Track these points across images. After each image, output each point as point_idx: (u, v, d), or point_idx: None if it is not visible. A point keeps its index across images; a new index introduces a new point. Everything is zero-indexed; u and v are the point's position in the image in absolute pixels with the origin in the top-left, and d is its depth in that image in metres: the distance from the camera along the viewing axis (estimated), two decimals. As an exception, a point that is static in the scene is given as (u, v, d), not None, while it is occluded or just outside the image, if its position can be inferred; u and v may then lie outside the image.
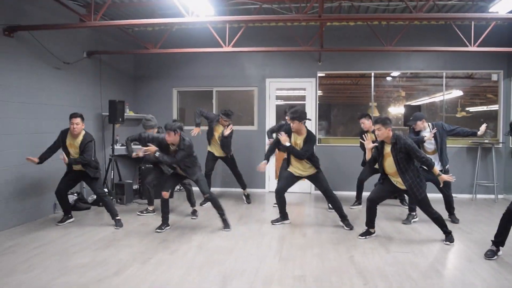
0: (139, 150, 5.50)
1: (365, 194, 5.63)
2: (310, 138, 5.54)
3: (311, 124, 8.40)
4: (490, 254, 4.30)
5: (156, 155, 5.16)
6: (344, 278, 3.77)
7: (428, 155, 5.64)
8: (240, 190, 7.90)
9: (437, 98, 8.55)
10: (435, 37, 7.96)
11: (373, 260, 4.27)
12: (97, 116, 7.52)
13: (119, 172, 7.48)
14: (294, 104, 5.72)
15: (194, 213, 6.28)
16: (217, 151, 7.12)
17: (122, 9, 7.32)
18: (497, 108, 8.20)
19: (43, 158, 5.49)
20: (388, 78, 8.85)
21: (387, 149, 4.78)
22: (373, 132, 5.01)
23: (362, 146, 5.73)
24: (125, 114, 7.52)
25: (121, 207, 6.93)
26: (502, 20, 7.31)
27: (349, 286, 3.60)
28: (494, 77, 8.27)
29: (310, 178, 5.76)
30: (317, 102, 8.48)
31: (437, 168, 4.88)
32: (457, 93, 8.63)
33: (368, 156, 5.02)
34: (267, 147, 6.13)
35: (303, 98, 8.59)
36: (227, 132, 6.87)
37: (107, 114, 7.33)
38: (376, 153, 4.92)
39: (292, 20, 6.62)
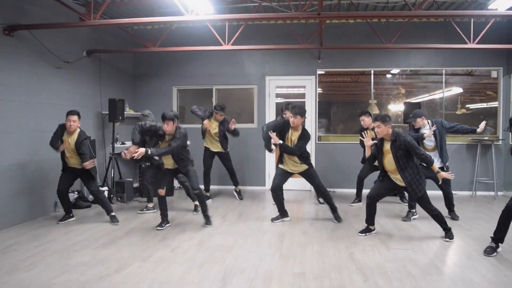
0: (126, 152, 5.20)
1: (365, 192, 5.64)
2: (304, 136, 5.60)
3: (311, 122, 8.42)
4: (490, 251, 4.31)
5: (149, 153, 5.01)
6: (344, 275, 3.78)
7: (428, 152, 5.66)
8: (239, 187, 7.91)
9: (437, 95, 8.55)
10: (435, 34, 7.95)
11: (373, 257, 4.28)
12: (97, 114, 7.53)
13: (119, 170, 7.50)
14: (292, 102, 5.76)
15: (196, 208, 6.31)
16: (214, 147, 7.15)
17: (121, 7, 7.34)
18: (497, 105, 8.21)
19: (56, 146, 5.51)
20: (388, 76, 8.85)
21: (387, 146, 4.79)
22: (373, 129, 5.02)
23: (362, 143, 5.74)
24: (125, 112, 7.53)
25: (122, 205, 6.96)
26: (501, 17, 7.30)
27: (349, 283, 3.61)
28: (494, 74, 8.27)
29: (302, 174, 5.83)
30: (317, 99, 8.49)
31: (436, 165, 4.89)
32: (456, 90, 8.63)
33: (368, 153, 5.04)
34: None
35: (302, 95, 8.60)
36: (233, 126, 6.99)
37: (107, 112, 7.34)
38: (376, 150, 4.94)
39: (291, 18, 6.63)
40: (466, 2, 7.01)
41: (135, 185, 7.81)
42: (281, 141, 5.52)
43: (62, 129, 5.57)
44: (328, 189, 8.35)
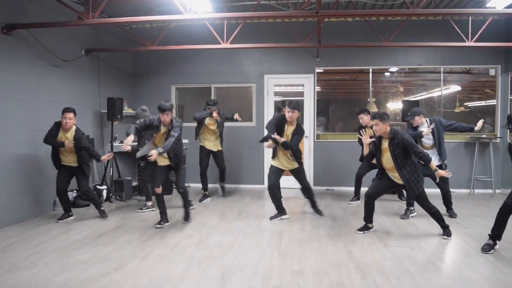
0: (124, 145, 5.14)
1: (364, 190, 5.66)
2: (299, 131, 5.71)
3: (310, 120, 8.43)
4: (487, 248, 4.34)
5: (160, 151, 5.07)
6: (343, 273, 3.80)
7: (426, 150, 5.67)
8: (239, 186, 7.96)
9: (435, 93, 8.57)
10: (433, 33, 7.96)
11: (371, 255, 4.31)
12: (96, 113, 7.53)
13: (118, 169, 7.51)
14: (288, 99, 5.83)
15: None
16: (210, 145, 7.15)
17: (120, 6, 7.34)
18: (495, 103, 8.23)
19: (57, 143, 5.53)
20: (386, 74, 8.88)
21: (385, 144, 4.81)
22: (372, 127, 5.04)
23: (360, 141, 5.76)
24: (123, 111, 7.52)
25: (120, 203, 6.97)
26: (499, 15, 7.31)
27: (347, 280, 3.63)
28: (492, 72, 8.29)
29: (293, 171, 5.92)
30: (316, 98, 8.50)
31: (434, 163, 4.91)
32: (455, 88, 8.65)
33: (366, 151, 5.06)
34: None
35: (301, 94, 8.61)
36: (239, 117, 7.21)
37: (106, 111, 7.33)
38: (374, 148, 4.96)
39: (290, 16, 6.63)
40: (464, 0, 7.02)
41: (134, 183, 7.82)
42: (283, 139, 5.57)
43: (57, 127, 5.59)
44: (326, 188, 8.43)
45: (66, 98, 6.59)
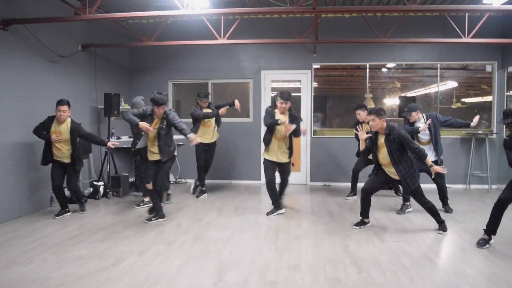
0: (144, 125, 5.26)
1: (360, 185, 5.68)
2: (295, 116, 5.79)
3: (307, 116, 8.44)
4: (482, 243, 4.38)
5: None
6: (339, 267, 3.83)
7: (422, 146, 5.71)
8: (236, 181, 7.97)
9: (432, 89, 8.59)
10: (430, 29, 7.98)
11: (367, 250, 4.33)
12: (93, 109, 7.52)
13: (115, 165, 7.50)
14: (282, 90, 5.84)
15: (168, 197, 6.61)
16: (207, 138, 7.09)
17: (116, 1, 7.31)
18: (491, 99, 8.25)
19: (43, 136, 5.58)
20: (383, 70, 8.88)
21: (381, 140, 4.83)
22: (369, 123, 5.06)
23: (357, 136, 5.78)
24: (120, 107, 7.52)
25: (117, 199, 6.97)
26: (495, 12, 7.33)
27: (343, 274, 3.66)
28: (488, 68, 8.31)
29: (281, 165, 5.94)
30: (312, 93, 8.51)
31: (430, 159, 4.94)
32: (452, 84, 8.67)
33: (362, 146, 5.08)
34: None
35: (298, 90, 8.61)
36: (239, 106, 7.18)
37: (103, 107, 7.33)
38: (370, 144, 4.98)
39: (287, 12, 6.63)
40: (461, -4, 7.05)
41: (131, 179, 7.82)
42: (294, 125, 5.65)
43: (50, 120, 5.60)
44: (323, 183, 8.46)
45: (62, 93, 6.54)
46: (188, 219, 5.67)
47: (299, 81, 8.61)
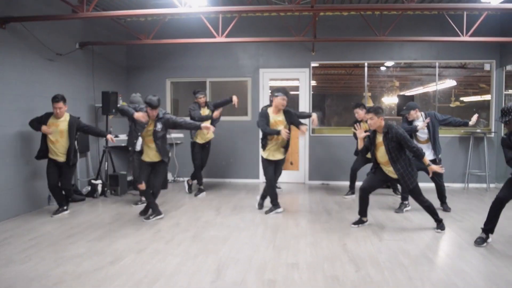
0: (140, 115, 5.34)
1: (358, 184, 5.69)
2: (290, 112, 5.81)
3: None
4: (480, 241, 4.38)
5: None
6: (337, 265, 3.83)
7: (421, 145, 5.73)
8: (234, 180, 7.95)
9: (431, 88, 8.60)
10: (428, 27, 7.99)
11: (365, 248, 4.34)
12: (90, 107, 7.50)
13: (113, 164, 7.49)
14: (277, 87, 5.81)
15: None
16: (204, 138, 7.06)
17: (114, -1, 7.29)
18: (490, 98, 8.26)
19: (34, 126, 5.58)
20: (382, 68, 8.88)
21: (379, 138, 4.83)
22: (367, 122, 5.06)
23: (355, 135, 5.79)
24: (118, 105, 7.48)
25: (116, 198, 6.96)
26: (494, 10, 7.32)
27: (341, 273, 3.66)
28: (487, 67, 8.32)
29: (277, 162, 5.92)
30: (311, 92, 8.51)
31: (428, 158, 4.94)
32: (450, 83, 8.68)
33: (360, 145, 5.09)
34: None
35: (296, 88, 8.61)
36: (236, 101, 7.04)
37: (100, 105, 7.31)
38: (369, 143, 4.98)
39: (285, 10, 6.61)
40: (459, -6, 7.04)
41: (129, 178, 7.80)
42: (306, 128, 5.80)
43: (47, 116, 5.60)
44: (322, 182, 8.47)
45: (60, 92, 6.46)
46: (186, 217, 5.67)
47: (298, 79, 8.60)
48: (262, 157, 5.87)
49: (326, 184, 8.40)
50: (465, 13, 6.78)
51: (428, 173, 4.96)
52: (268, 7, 6.76)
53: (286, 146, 5.85)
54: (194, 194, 7.13)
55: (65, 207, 5.82)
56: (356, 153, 6.82)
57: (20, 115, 5.76)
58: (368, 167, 6.20)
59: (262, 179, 8.61)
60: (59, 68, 6.61)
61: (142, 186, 5.43)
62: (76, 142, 5.88)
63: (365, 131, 5.07)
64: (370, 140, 4.95)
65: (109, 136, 5.86)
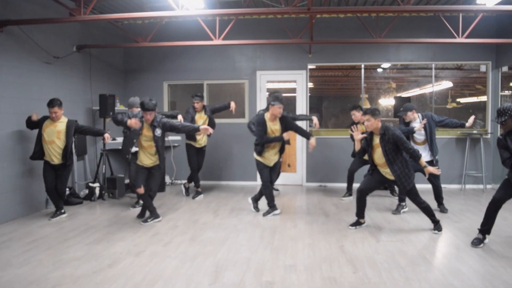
0: (133, 122, 5.35)
1: (356, 185, 5.71)
2: (287, 118, 5.79)
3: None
4: (477, 242, 4.41)
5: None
6: (334, 267, 3.84)
7: (418, 146, 5.75)
8: (232, 182, 7.94)
9: (427, 89, 8.63)
10: (424, 29, 8.02)
11: (362, 249, 4.35)
12: (88, 110, 7.50)
13: (111, 167, 7.49)
14: (275, 94, 5.80)
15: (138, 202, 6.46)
16: (199, 142, 7.04)
17: (111, 2, 7.30)
18: (486, 99, 8.30)
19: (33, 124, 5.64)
20: (379, 70, 8.91)
21: (376, 140, 4.85)
22: (364, 123, 5.08)
23: (352, 137, 5.81)
24: (115, 108, 7.51)
25: (113, 201, 6.96)
26: (489, 12, 7.39)
27: (339, 274, 3.67)
28: (483, 68, 8.35)
29: (273, 165, 5.94)
30: (308, 94, 8.53)
31: (424, 159, 4.97)
32: (447, 84, 8.72)
33: (357, 147, 5.11)
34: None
35: (293, 90, 8.62)
36: (233, 107, 7.11)
37: (98, 108, 7.31)
38: (366, 144, 5.00)
39: (282, 13, 6.64)
40: (455, -4, 7.09)
41: (127, 181, 7.80)
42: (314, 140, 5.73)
43: (44, 119, 5.63)
44: (319, 184, 8.48)
45: (57, 95, 6.50)
46: (184, 220, 5.67)
47: (295, 81, 8.62)
48: (256, 159, 5.88)
49: (324, 186, 8.42)
50: (460, 14, 6.83)
51: (425, 174, 4.99)
52: (265, 9, 6.76)
53: (281, 149, 5.87)
54: (192, 197, 7.13)
55: (62, 210, 5.82)
56: (353, 155, 6.83)
57: (17, 118, 5.75)
58: (365, 168, 6.22)
59: (259, 181, 8.63)
60: (57, 71, 6.61)
61: (141, 190, 5.43)
62: (73, 145, 5.88)
63: (362, 133, 5.08)
64: (367, 142, 4.97)
65: (106, 135, 5.88)
